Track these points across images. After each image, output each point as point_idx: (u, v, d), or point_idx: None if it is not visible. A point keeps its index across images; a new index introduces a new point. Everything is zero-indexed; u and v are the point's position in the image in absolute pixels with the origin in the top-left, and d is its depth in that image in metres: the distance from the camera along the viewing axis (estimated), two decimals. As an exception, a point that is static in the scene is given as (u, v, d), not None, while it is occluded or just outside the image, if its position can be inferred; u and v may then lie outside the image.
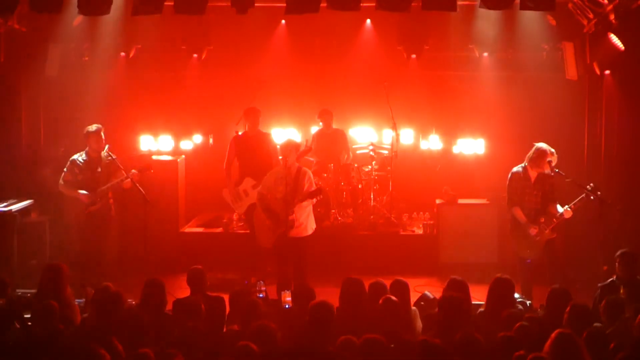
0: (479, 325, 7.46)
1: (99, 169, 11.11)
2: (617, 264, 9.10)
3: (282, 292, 8.74)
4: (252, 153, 11.77)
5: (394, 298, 7.81)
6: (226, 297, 8.79)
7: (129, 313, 7.52)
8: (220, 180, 12.87)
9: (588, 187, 10.48)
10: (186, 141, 14.48)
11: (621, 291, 8.57)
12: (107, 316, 7.54)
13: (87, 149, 11.16)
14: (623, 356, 6.42)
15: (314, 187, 10.49)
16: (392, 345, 6.64)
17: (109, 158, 11.08)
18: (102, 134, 11.11)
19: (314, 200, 10.54)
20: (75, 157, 11.18)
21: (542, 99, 13.67)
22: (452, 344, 6.50)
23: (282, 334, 7.31)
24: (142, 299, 8.25)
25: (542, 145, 10.58)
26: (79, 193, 10.96)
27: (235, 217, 13.29)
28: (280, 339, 7.17)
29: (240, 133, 12.22)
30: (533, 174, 10.61)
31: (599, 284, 9.28)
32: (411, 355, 6.57)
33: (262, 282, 9.04)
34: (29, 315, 8.00)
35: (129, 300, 8.39)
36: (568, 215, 10.56)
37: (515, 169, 10.74)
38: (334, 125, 13.73)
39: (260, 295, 8.82)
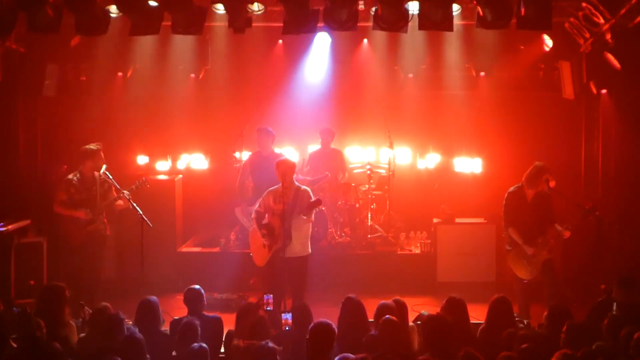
0: (479, 345, 7.45)
1: (95, 188, 11.10)
2: (616, 288, 9.01)
3: (282, 314, 8.71)
4: (266, 174, 11.65)
5: (394, 318, 7.81)
6: (223, 317, 8.79)
7: (128, 334, 7.50)
8: (217, 199, 12.85)
9: (586, 207, 10.47)
10: (183, 161, 14.46)
11: (614, 310, 8.52)
12: (106, 336, 7.53)
13: (80, 168, 11.14)
14: None
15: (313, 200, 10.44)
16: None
17: (104, 177, 11.07)
18: (101, 152, 11.13)
19: (316, 209, 10.44)
20: (69, 177, 11.15)
21: (539, 118, 13.70)
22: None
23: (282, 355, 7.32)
24: (137, 318, 8.26)
25: (540, 164, 10.59)
26: (78, 212, 10.96)
27: (232, 236, 13.25)
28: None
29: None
30: (530, 193, 10.61)
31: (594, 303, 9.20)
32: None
33: (270, 295, 8.97)
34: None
35: (126, 320, 8.37)
36: (566, 235, 10.55)
37: (511, 188, 10.74)
38: (332, 145, 13.75)
39: (268, 308, 8.77)
